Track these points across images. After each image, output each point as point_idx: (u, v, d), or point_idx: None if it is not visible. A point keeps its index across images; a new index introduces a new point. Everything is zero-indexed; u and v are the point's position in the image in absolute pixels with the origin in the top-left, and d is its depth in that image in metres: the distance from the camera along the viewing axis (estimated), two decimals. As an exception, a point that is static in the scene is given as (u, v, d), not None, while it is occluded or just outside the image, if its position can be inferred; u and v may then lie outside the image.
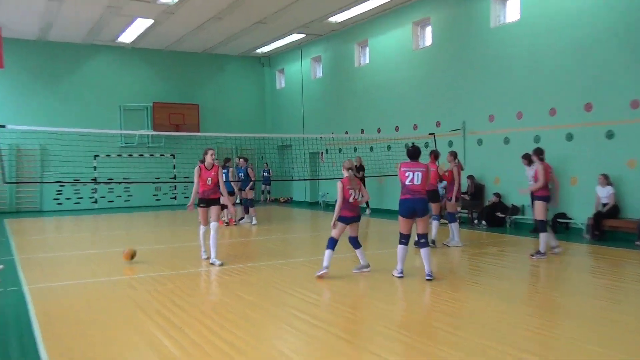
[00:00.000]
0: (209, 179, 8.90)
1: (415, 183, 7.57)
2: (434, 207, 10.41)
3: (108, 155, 21.56)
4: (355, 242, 7.91)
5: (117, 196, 22.52)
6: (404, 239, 7.61)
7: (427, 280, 7.52)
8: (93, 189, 22.50)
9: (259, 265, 9.02)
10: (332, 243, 7.73)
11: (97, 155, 21.44)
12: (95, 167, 21.79)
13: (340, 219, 7.67)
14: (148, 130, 22.89)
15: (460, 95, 15.54)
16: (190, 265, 8.84)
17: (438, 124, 16.24)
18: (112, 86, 22.79)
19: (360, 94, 19.76)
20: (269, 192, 24.40)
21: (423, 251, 7.64)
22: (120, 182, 21.05)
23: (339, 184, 7.59)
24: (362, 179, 18.28)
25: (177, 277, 8.16)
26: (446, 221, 10.75)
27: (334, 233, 7.71)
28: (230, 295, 6.93)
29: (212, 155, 8.85)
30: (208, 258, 9.15)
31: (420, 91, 16.99)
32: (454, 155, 10.91)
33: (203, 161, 8.99)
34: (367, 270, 8.02)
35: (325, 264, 7.69)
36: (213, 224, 8.85)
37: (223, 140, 23.56)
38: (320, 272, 7.59)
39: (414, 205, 7.50)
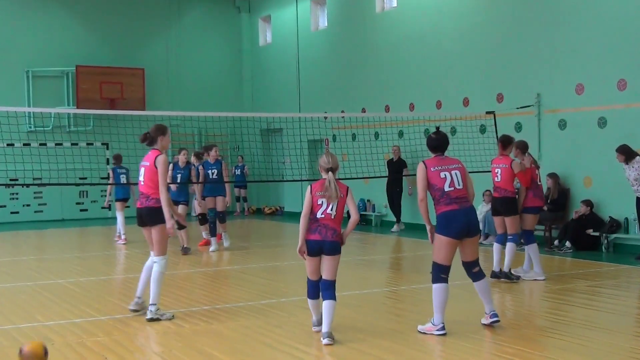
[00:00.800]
0: None
1: (458, 187, 7.53)
2: (509, 223, 10.36)
3: (10, 145, 21.54)
4: (326, 289, 7.18)
5: (25, 205, 22.52)
6: (445, 272, 7.51)
7: (492, 323, 7.58)
8: (-12, 195, 22.47)
9: (234, 308, 9.01)
10: (310, 287, 7.34)
11: (-6, 145, 21.44)
12: (-9, 162, 21.77)
13: (308, 246, 7.22)
14: (69, 108, 22.87)
15: (533, 58, 15.52)
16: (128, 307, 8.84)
17: (500, 98, 16.23)
18: (15, 42, 22.79)
19: (384, 53, 19.74)
20: (245, 200, 24.41)
21: (481, 284, 7.66)
22: (28, 185, 21.01)
23: (307, 190, 7.23)
24: (398, 180, 18.19)
25: (114, 323, 8.17)
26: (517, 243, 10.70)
27: (307, 270, 7.36)
28: (193, 354, 6.92)
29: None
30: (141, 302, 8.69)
31: (474, 49, 16.98)
32: (523, 147, 10.86)
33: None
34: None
35: (314, 317, 7.50)
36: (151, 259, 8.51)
37: (180, 122, 23.53)
38: (317, 328, 7.47)
39: (468, 220, 7.46)
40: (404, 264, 12.66)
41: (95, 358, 6.83)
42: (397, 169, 18.39)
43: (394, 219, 18.69)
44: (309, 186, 7.27)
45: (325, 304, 7.09)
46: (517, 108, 15.62)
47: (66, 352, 7.08)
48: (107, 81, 23.17)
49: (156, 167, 8.22)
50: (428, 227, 7.64)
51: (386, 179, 18.49)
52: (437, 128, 7.94)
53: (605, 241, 13.71)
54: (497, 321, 7.60)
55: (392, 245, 16.27)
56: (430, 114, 17.65)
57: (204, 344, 7.27)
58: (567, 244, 13.86)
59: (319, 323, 7.30)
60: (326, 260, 7.20)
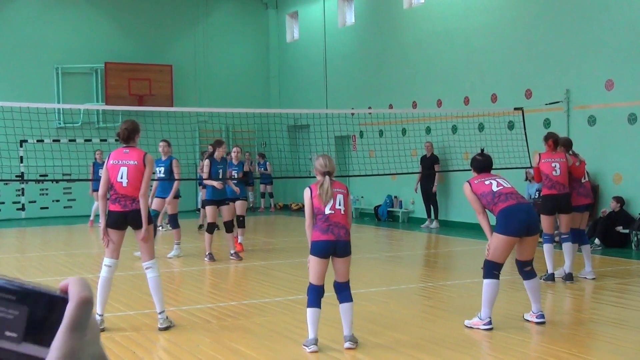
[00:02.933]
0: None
1: (506, 185, 7.63)
2: (567, 221, 10.06)
3: (40, 141, 21.78)
4: (341, 291, 6.82)
5: (54, 200, 22.77)
6: (498, 269, 7.52)
7: (539, 323, 7.60)
8: (19, 190, 22.73)
9: (261, 304, 9.09)
10: (313, 294, 6.77)
11: (25, 141, 21.67)
12: (22, 159, 22.04)
13: (313, 248, 6.77)
14: (98, 104, 23.08)
15: (562, 53, 15.41)
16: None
17: (528, 94, 16.13)
18: (45, 39, 23.03)
19: (412, 49, 19.69)
20: (271, 196, 24.47)
21: (532, 283, 7.69)
22: (58, 181, 21.24)
23: (305, 192, 6.86)
24: (432, 176, 18.13)
25: (143, 318, 8.24)
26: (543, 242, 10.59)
27: (311, 276, 6.84)
28: (221, 350, 6.98)
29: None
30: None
31: (502, 45, 16.89)
32: (569, 144, 10.53)
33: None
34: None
35: (311, 335, 6.72)
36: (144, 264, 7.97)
37: (207, 119, 23.66)
38: (310, 349, 6.68)
39: (529, 218, 7.45)
40: (434, 260, 12.65)
41: (123, 352, 6.90)
42: (430, 166, 18.33)
43: (424, 216, 18.65)
44: (308, 188, 6.86)
45: (344, 307, 6.79)
46: (546, 104, 15.52)
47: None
48: (136, 78, 23.34)
49: (145, 166, 7.73)
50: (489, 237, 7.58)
51: (416, 175, 18.47)
52: (482, 150, 8.00)
53: (635, 238, 13.60)
54: (543, 322, 7.63)
55: (420, 241, 16.24)
56: (458, 110, 17.61)
57: (232, 339, 7.32)
58: (597, 241, 13.77)
59: (316, 342, 6.68)
60: (338, 263, 6.79)
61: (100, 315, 7.66)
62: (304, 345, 6.71)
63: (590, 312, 8.44)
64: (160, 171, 13.11)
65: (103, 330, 7.59)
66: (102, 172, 7.78)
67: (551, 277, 10.02)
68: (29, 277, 11.33)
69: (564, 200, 9.99)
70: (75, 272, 11.91)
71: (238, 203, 13.43)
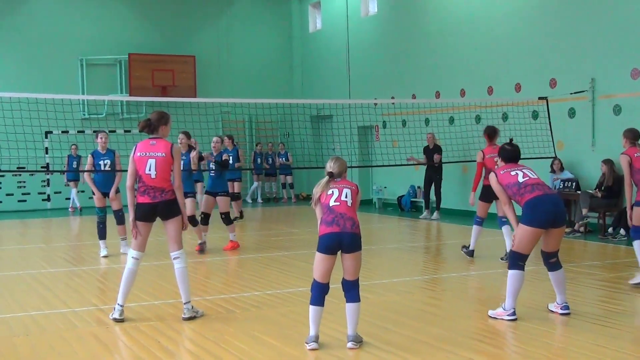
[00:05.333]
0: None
1: (532, 176, 7.60)
2: (499, 206, 10.45)
3: (65, 132, 21.95)
4: (349, 289, 6.59)
5: (80, 191, 22.93)
6: (523, 260, 7.51)
7: (563, 314, 7.63)
8: (44, 181, 22.94)
9: (285, 294, 9.14)
10: (316, 291, 6.59)
11: (50, 132, 21.84)
12: (47, 150, 22.23)
13: (318, 243, 6.56)
14: (122, 95, 23.20)
15: (587, 42, 15.27)
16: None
17: (553, 84, 16.02)
18: (69, 31, 23.20)
19: (434, 38, 19.61)
20: (291, 186, 24.49)
21: (558, 274, 7.68)
22: (83, 171, 21.36)
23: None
24: (439, 167, 18.15)
25: (167, 308, 8.31)
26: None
27: (315, 272, 6.64)
28: (245, 339, 7.01)
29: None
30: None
31: (526, 34, 16.77)
32: (634, 136, 9.62)
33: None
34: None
35: (312, 332, 6.60)
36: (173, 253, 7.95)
37: (230, 109, 23.71)
38: (310, 346, 6.56)
39: (555, 209, 7.40)
40: (457, 251, 12.59)
41: (148, 342, 6.95)
42: (432, 157, 18.31)
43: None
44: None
45: (350, 307, 6.53)
46: (571, 93, 15.40)
47: (121, 336, 7.25)
48: (159, 69, 23.44)
49: (173, 158, 7.73)
50: (515, 228, 7.58)
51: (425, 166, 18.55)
52: (511, 140, 7.98)
53: (661, 229, 13.45)
54: (568, 313, 7.63)
55: (443, 231, 16.20)
56: (482, 100, 17.52)
57: (255, 329, 7.34)
58: (622, 231, 13.66)
59: (316, 339, 6.56)
60: (346, 259, 6.49)
61: (121, 306, 7.74)
62: (305, 342, 6.60)
63: (617, 304, 8.38)
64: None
65: (123, 320, 7.69)
66: (129, 164, 7.77)
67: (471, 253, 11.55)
68: (56, 267, 11.45)
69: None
70: (100, 261, 12.01)
71: (219, 199, 12.75)
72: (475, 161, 11.55)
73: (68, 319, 7.93)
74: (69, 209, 21.87)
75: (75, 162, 21.16)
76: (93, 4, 23.54)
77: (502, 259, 11.17)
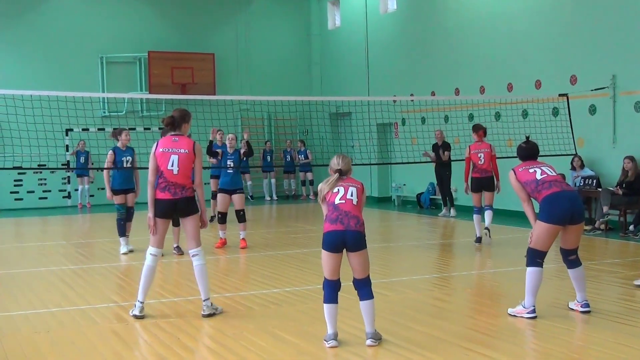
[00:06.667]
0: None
1: (551, 174, 7.56)
2: (487, 197, 11.06)
3: (85, 130, 22.06)
4: (360, 288, 6.63)
5: (100, 189, 23.04)
6: (541, 257, 7.47)
7: (584, 312, 7.58)
8: (65, 178, 23.09)
9: (303, 291, 9.15)
10: (328, 289, 6.64)
11: (70, 130, 21.99)
12: (67, 147, 22.37)
13: (323, 241, 6.64)
14: (141, 93, 23.29)
15: (608, 38, 15.16)
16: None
17: (573, 80, 15.92)
18: (89, 29, 23.31)
19: (454, 35, 19.54)
20: (311, 183, 24.50)
21: (577, 272, 7.64)
22: (102, 169, 21.48)
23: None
24: (447, 164, 18.06)
25: (186, 305, 8.35)
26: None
27: (324, 270, 6.70)
28: (264, 336, 7.03)
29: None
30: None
31: (546, 30, 16.67)
32: None
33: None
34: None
35: (330, 330, 6.62)
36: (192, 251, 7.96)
37: (249, 107, 23.76)
38: (329, 344, 6.56)
39: (573, 206, 7.36)
40: (477, 248, 12.55)
41: (168, 338, 6.99)
42: (440, 150, 18.26)
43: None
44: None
45: (364, 305, 6.57)
46: (592, 90, 15.30)
47: (140, 332, 7.30)
48: (179, 66, 23.52)
49: (195, 155, 7.78)
50: (533, 226, 7.54)
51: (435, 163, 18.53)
52: (527, 138, 7.94)
53: (683, 226, 13.39)
54: (588, 311, 7.58)
55: (462, 229, 16.14)
56: (501, 96, 17.43)
57: (274, 326, 7.36)
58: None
59: (335, 336, 6.58)
60: (352, 258, 6.55)
61: (141, 303, 7.79)
62: (324, 340, 6.60)
63: (638, 302, 8.32)
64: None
65: (143, 317, 7.73)
66: (150, 160, 7.79)
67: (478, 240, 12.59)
68: (76, 264, 11.53)
69: (485, 181, 12.54)
70: (119, 258, 12.08)
71: (235, 197, 12.71)
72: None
73: (88, 316, 7.99)
74: (78, 206, 22.30)
75: (83, 158, 21.73)
76: (113, 2, 23.66)
77: (475, 242, 12.61)
